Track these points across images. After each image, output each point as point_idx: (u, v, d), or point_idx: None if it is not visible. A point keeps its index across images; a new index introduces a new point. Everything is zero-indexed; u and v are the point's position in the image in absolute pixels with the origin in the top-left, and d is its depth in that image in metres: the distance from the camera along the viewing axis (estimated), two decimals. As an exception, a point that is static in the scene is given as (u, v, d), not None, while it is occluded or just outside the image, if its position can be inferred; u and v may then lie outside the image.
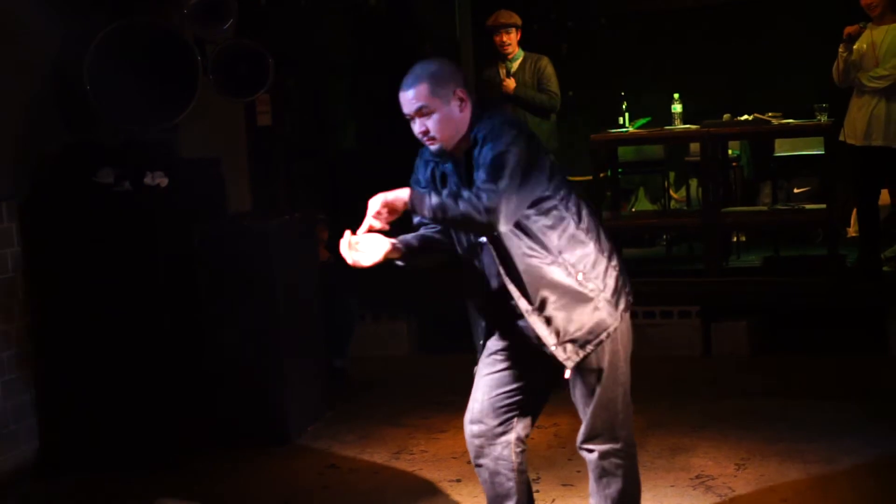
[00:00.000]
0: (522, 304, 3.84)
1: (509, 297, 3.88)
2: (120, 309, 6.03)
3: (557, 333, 3.86)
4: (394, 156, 8.69)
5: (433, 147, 3.86)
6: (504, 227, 3.71)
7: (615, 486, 4.10)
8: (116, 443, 6.02)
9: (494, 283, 3.93)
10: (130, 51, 6.21)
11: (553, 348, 3.86)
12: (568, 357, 3.88)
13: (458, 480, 5.56)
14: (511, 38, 8.58)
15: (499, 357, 4.05)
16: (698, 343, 7.91)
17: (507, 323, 3.97)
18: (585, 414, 4.03)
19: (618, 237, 9.05)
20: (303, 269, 6.70)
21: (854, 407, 6.42)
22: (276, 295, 6.33)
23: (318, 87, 9.12)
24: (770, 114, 8.82)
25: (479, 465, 4.14)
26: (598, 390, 3.99)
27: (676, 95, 9.14)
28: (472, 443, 4.12)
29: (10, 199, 6.02)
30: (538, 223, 3.81)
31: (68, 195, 6.15)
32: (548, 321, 3.85)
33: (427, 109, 3.79)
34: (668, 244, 9.88)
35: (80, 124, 6.39)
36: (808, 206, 9.07)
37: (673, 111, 9.09)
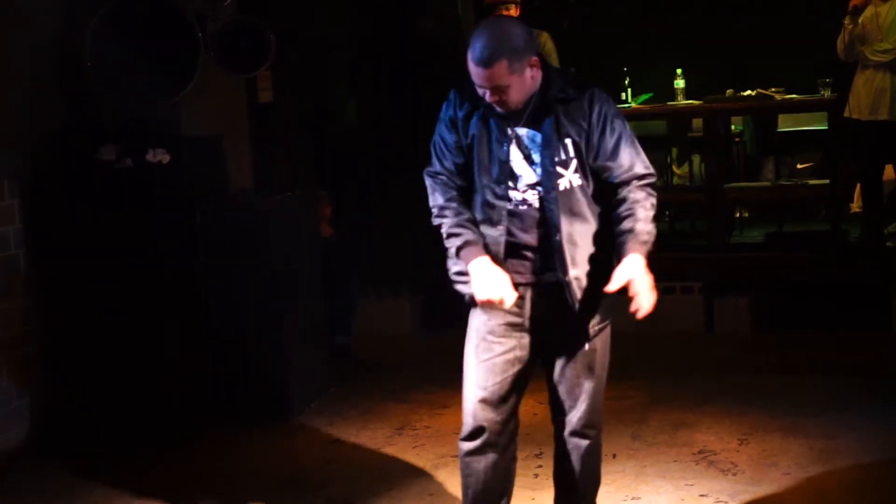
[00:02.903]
0: (566, 266, 3.80)
1: (540, 260, 3.85)
2: (121, 286, 6.03)
3: (586, 300, 3.84)
4: (395, 132, 8.74)
5: (502, 109, 3.77)
6: None
7: (595, 471, 4.19)
8: (118, 421, 6.03)
9: (532, 241, 3.86)
10: (131, 28, 6.19)
11: (582, 315, 3.85)
12: (593, 326, 3.89)
13: (461, 456, 5.56)
14: (511, 14, 8.54)
15: (493, 340, 3.94)
16: (701, 319, 7.91)
17: (520, 288, 3.89)
18: (577, 397, 4.01)
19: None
20: (305, 246, 6.69)
21: (857, 382, 6.42)
22: (277, 272, 6.33)
23: (319, 64, 9.09)
24: (773, 89, 8.79)
25: (482, 452, 4.01)
26: (594, 374, 4.00)
27: (679, 71, 9.10)
28: (482, 427, 3.96)
29: (12, 176, 6.01)
30: (591, 190, 3.85)
31: (70, 172, 6.14)
32: (580, 287, 3.83)
33: (503, 85, 3.70)
34: (670, 220, 9.85)
35: (82, 102, 6.37)
36: (811, 182, 9.05)
37: (675, 87, 9.07)
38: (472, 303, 3.89)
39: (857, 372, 6.63)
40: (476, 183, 3.89)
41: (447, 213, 3.90)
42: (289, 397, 6.37)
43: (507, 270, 3.84)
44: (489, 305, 3.79)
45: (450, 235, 3.89)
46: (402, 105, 8.83)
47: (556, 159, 3.78)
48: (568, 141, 3.79)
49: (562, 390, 4.03)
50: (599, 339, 3.99)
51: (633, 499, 4.88)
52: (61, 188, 6.10)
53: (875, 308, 7.61)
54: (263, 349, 6.31)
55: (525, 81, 3.73)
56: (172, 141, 6.48)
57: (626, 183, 3.81)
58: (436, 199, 3.93)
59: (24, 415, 6.02)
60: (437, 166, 3.95)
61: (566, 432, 4.08)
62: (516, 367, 3.96)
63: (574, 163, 3.80)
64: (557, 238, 3.81)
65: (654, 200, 3.81)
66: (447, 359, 7.43)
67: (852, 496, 4.84)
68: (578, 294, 3.83)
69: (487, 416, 3.95)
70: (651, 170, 3.86)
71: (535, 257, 3.88)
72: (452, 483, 5.20)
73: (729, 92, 8.95)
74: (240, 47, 6.90)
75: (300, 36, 8.48)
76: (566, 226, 3.80)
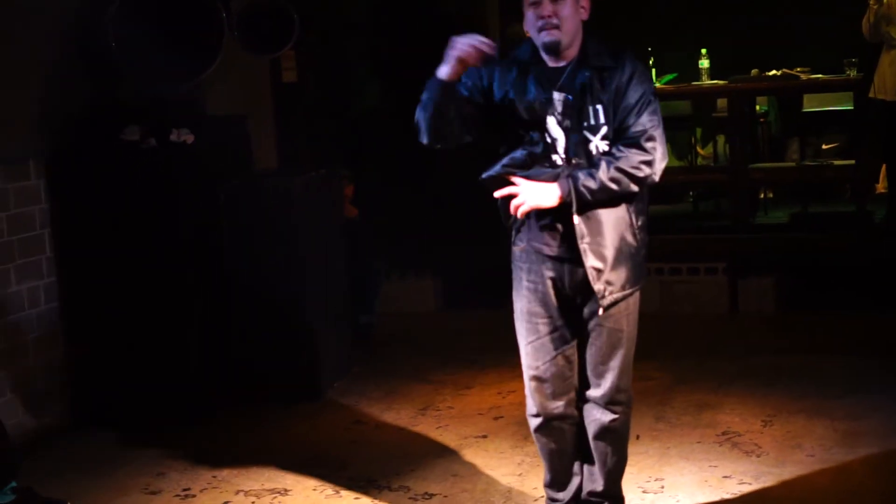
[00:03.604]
0: (582, 233, 3.85)
1: (566, 228, 3.88)
2: (146, 266, 6.06)
3: (602, 271, 3.88)
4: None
5: (549, 37, 3.81)
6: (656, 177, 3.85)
7: (624, 443, 4.22)
8: (144, 399, 6.07)
9: (553, 212, 3.88)
10: (154, 8, 6.20)
11: (596, 283, 3.88)
12: (604, 296, 3.90)
13: (485, 436, 5.58)
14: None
15: (538, 320, 4.02)
16: (725, 300, 7.89)
17: (547, 257, 3.96)
18: (604, 374, 4.04)
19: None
20: (328, 226, 6.70)
21: (881, 363, 6.40)
22: (301, 251, 6.34)
23: (341, 44, 9.08)
24: (798, 69, 8.75)
25: (548, 427, 4.12)
26: (621, 350, 4.04)
27: (704, 51, 9.06)
28: (541, 405, 4.08)
29: (38, 156, 6.04)
30: None
31: (95, 153, 6.16)
32: (598, 256, 3.86)
33: None
34: (694, 200, 9.83)
35: (106, 83, 6.39)
36: (836, 162, 9.01)
37: (700, 67, 9.02)
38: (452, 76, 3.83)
39: (881, 353, 6.61)
40: (509, 141, 3.94)
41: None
42: (313, 377, 6.39)
43: (536, 243, 3.94)
44: (468, 56, 3.75)
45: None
46: (423, 85, 8.81)
47: (586, 124, 3.83)
48: (599, 107, 3.84)
49: (590, 368, 4.06)
50: (625, 314, 4.01)
51: (656, 480, 4.88)
52: (86, 168, 6.13)
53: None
54: (288, 329, 6.33)
55: (577, 12, 3.84)
56: (197, 121, 6.50)
57: (627, 143, 3.81)
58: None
59: (52, 393, 6.06)
60: None
61: (595, 409, 4.10)
62: (564, 346, 4.04)
63: (603, 129, 3.84)
64: (573, 209, 3.86)
65: (631, 172, 3.78)
66: (470, 339, 7.51)
67: (876, 477, 4.82)
68: (595, 261, 3.87)
69: (543, 395, 4.06)
70: (654, 157, 3.80)
71: (560, 229, 3.92)
72: (475, 463, 5.22)
73: (754, 72, 8.91)
74: (264, 27, 6.90)
75: (322, 16, 8.47)
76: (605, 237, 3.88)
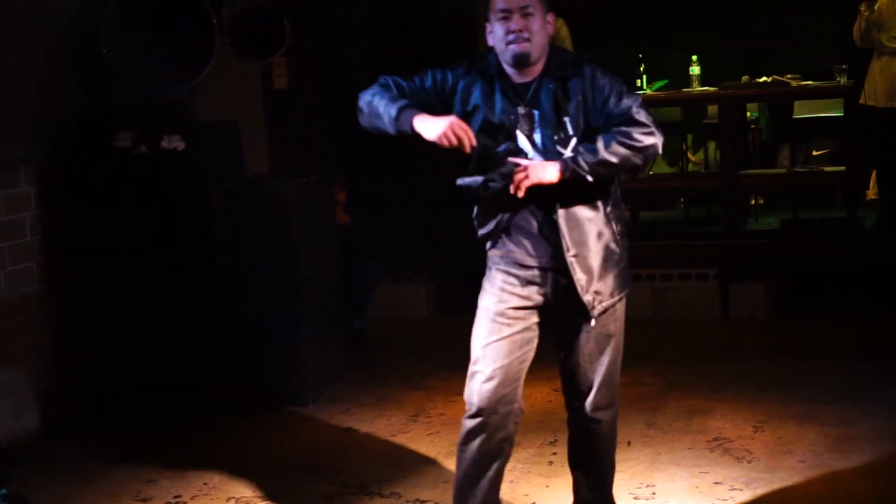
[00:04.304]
0: (568, 245, 3.85)
1: (547, 239, 3.89)
2: (138, 272, 6.05)
3: (590, 282, 3.88)
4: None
5: (520, 48, 3.80)
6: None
7: (611, 449, 4.22)
8: (134, 405, 6.06)
9: (535, 223, 3.90)
10: (147, 13, 6.19)
11: (585, 295, 3.88)
12: (604, 307, 3.92)
13: (476, 442, 5.57)
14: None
15: (503, 321, 3.96)
16: (717, 305, 7.89)
17: (530, 272, 3.95)
18: (592, 379, 4.04)
19: (635, 200, 9.07)
20: (322, 231, 6.70)
21: (872, 368, 6.40)
22: (295, 257, 6.34)
23: (335, 49, 9.09)
24: (789, 75, 8.76)
25: (482, 431, 3.99)
26: (608, 357, 4.04)
27: (695, 57, 9.07)
28: (483, 408, 3.96)
29: (28, 163, 6.02)
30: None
31: (86, 159, 6.15)
32: (584, 268, 3.86)
33: (530, 10, 3.80)
34: (685, 207, 9.84)
35: (98, 88, 6.38)
36: (826, 169, 9.02)
37: (691, 73, 9.03)
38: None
39: (873, 357, 6.62)
40: (475, 155, 3.88)
41: (385, 93, 3.95)
42: (305, 382, 6.38)
43: (516, 253, 3.93)
44: (450, 142, 3.71)
45: (385, 105, 3.89)
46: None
47: (556, 137, 3.82)
48: (567, 119, 3.83)
49: (577, 374, 4.05)
50: (612, 319, 4.01)
51: (647, 486, 4.88)
52: (77, 175, 6.12)
53: (891, 294, 7.58)
54: (280, 334, 6.32)
55: (544, 28, 3.84)
56: (189, 126, 6.49)
57: (619, 122, 3.81)
58: (373, 91, 3.99)
59: (42, 399, 6.05)
60: (400, 80, 4.01)
61: (580, 415, 4.10)
62: (524, 350, 3.98)
63: (573, 141, 3.82)
64: (555, 217, 3.86)
65: (630, 143, 3.75)
66: (463, 344, 7.41)
67: (868, 483, 4.83)
68: (582, 274, 3.86)
69: (491, 395, 3.94)
70: (651, 127, 3.78)
71: (542, 239, 3.92)
72: (467, 469, 5.21)
73: (744, 78, 8.92)
74: (255, 33, 6.90)
75: (316, 21, 8.48)
76: (565, 204, 3.85)
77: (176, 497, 5.10)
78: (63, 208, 6.12)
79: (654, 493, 4.81)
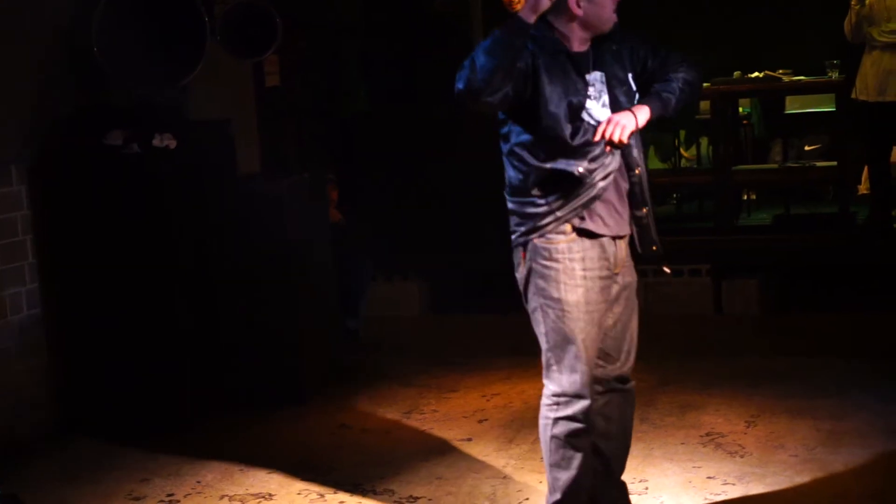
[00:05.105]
0: (646, 199, 4.02)
1: (618, 206, 3.95)
2: (131, 271, 6.04)
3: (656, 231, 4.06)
4: (405, 115, 8.74)
5: (615, 21, 3.89)
6: None
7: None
8: (130, 404, 6.05)
9: (623, 185, 3.97)
10: (138, 12, 6.19)
11: (656, 250, 4.05)
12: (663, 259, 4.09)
13: (469, 439, 5.58)
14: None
15: (594, 309, 3.92)
16: (709, 301, 7.90)
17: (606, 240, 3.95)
18: (625, 346, 4.08)
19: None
20: (315, 230, 6.70)
21: (864, 363, 6.42)
22: (288, 256, 6.34)
23: (328, 47, 9.09)
24: (781, 71, 8.77)
25: (584, 433, 3.97)
26: (635, 322, 4.13)
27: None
28: (589, 404, 3.95)
29: (19, 162, 6.02)
30: None
31: (77, 158, 6.14)
32: (653, 221, 4.06)
33: None
34: (678, 202, 9.86)
35: (89, 86, 6.37)
36: (818, 164, 9.05)
37: (683, 69, 9.02)
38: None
39: (864, 353, 6.63)
40: (544, 132, 3.83)
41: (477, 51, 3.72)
42: (300, 381, 6.39)
43: (594, 220, 3.90)
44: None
45: (486, 46, 3.64)
46: (411, 88, 8.84)
47: (626, 95, 3.91)
48: (629, 76, 3.95)
49: (616, 336, 4.05)
50: (635, 286, 4.14)
51: (640, 481, 4.89)
52: (69, 174, 6.11)
53: (883, 289, 7.60)
54: (275, 333, 6.32)
55: None
56: (181, 125, 6.48)
57: (671, 65, 4.02)
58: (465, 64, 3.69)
59: (36, 400, 6.04)
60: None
61: (619, 380, 4.10)
62: (604, 330, 4.02)
63: (637, 96, 3.96)
64: (637, 172, 3.96)
65: (697, 76, 4.05)
66: (455, 342, 7.51)
67: (859, 478, 4.84)
68: (653, 229, 4.01)
69: (591, 393, 3.96)
70: (695, 65, 4.07)
71: (621, 204, 3.96)
72: (460, 466, 5.22)
73: (736, 74, 8.93)
74: (248, 31, 6.89)
75: (309, 19, 8.48)
76: (642, 160, 3.99)
77: (169, 496, 5.11)
78: (55, 207, 6.11)
79: (646, 489, 4.82)
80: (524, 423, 5.65)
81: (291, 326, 6.35)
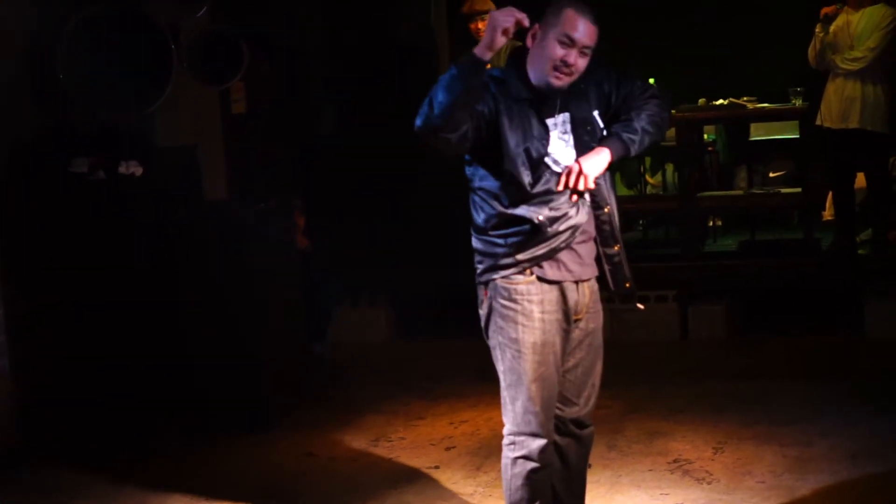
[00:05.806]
0: (616, 236, 4.01)
1: (583, 251, 3.92)
2: (97, 298, 6.01)
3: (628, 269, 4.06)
4: (370, 140, 8.74)
5: (559, 83, 3.77)
6: None
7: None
8: (95, 431, 6.01)
9: (583, 230, 3.90)
10: (104, 38, 6.18)
11: (629, 287, 4.04)
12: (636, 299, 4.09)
13: (437, 467, 5.56)
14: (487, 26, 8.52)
15: (549, 350, 3.87)
16: (676, 327, 7.93)
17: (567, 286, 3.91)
18: (586, 390, 4.03)
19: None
20: (281, 255, 6.69)
21: (831, 388, 6.44)
22: (254, 281, 6.32)
23: (293, 73, 9.09)
24: (745, 98, 8.83)
25: (541, 471, 3.95)
26: (599, 365, 4.08)
27: (651, 80, 9.07)
28: (547, 443, 3.93)
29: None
30: None
31: (42, 184, 6.11)
32: (625, 259, 4.06)
33: (588, 51, 3.82)
34: (644, 229, 9.89)
35: (55, 110, 6.34)
36: (783, 190, 9.09)
37: (648, 96, 9.06)
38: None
39: (830, 377, 6.66)
40: (504, 177, 3.80)
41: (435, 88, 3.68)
42: (265, 408, 6.36)
43: (554, 268, 3.86)
44: (510, 27, 3.59)
45: (444, 82, 3.59)
46: (376, 113, 8.84)
47: (594, 135, 3.88)
48: (597, 113, 3.92)
49: (575, 380, 4.00)
50: (600, 329, 4.09)
51: (608, 508, 4.89)
52: (33, 200, 6.08)
53: (848, 314, 7.65)
54: (240, 359, 6.29)
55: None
56: (147, 152, 6.47)
57: (637, 100, 3.96)
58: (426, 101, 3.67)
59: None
60: None
61: (577, 423, 4.05)
62: (558, 372, 3.95)
63: (603, 132, 3.92)
64: (607, 211, 3.95)
65: (661, 113, 3.96)
66: (423, 368, 7.49)
67: (826, 503, 4.85)
68: (625, 266, 4.01)
69: (545, 427, 3.91)
70: (665, 100, 4.02)
71: (578, 250, 3.91)
72: (428, 494, 5.20)
73: (701, 101, 8.98)
74: (214, 58, 6.89)
75: (274, 45, 8.48)
76: (612, 197, 3.98)
77: (135, 525, 5.07)
78: (19, 234, 6.07)
79: (614, 516, 4.82)
80: (492, 450, 5.63)
81: (258, 353, 6.33)
